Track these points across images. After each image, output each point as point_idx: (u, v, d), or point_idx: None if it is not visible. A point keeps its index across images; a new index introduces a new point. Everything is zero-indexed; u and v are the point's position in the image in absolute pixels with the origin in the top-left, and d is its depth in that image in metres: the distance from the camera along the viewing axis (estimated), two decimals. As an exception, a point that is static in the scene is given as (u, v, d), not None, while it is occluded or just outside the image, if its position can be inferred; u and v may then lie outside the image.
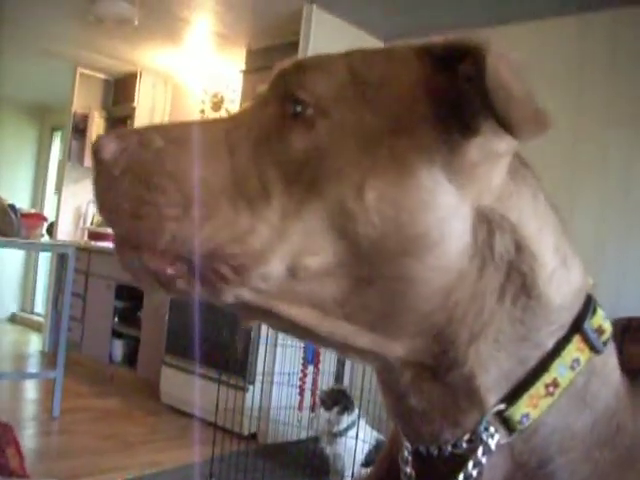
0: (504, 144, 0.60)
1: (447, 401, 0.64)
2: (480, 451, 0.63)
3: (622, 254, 3.44)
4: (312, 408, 3.76)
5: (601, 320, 0.67)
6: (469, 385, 0.63)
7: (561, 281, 0.65)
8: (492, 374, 0.63)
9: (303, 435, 3.95)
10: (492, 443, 0.62)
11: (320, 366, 3.72)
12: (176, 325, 4.77)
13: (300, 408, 3.71)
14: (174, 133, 0.62)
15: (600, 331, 0.66)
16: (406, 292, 0.60)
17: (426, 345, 0.63)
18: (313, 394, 3.73)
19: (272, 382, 4.06)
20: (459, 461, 0.64)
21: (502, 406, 0.63)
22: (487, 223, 0.62)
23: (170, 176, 0.59)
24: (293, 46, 4.50)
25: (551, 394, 0.63)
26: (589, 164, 3.61)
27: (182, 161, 0.59)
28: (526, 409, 0.62)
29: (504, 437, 0.63)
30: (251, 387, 4.27)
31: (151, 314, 5.35)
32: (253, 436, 4.25)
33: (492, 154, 0.61)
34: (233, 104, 5.69)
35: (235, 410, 3.82)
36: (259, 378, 4.12)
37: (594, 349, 0.65)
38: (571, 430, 0.64)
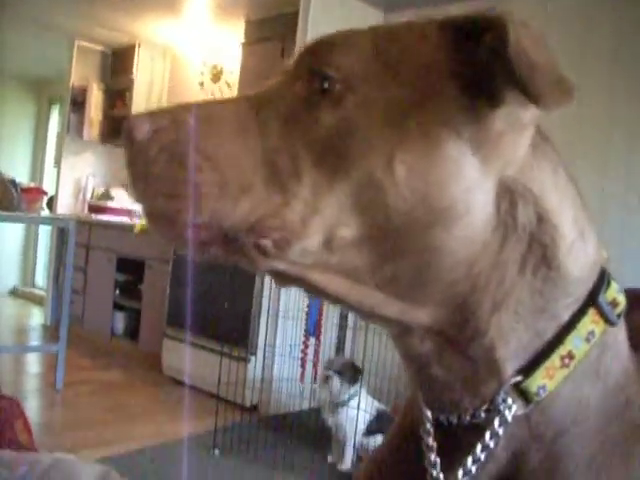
0: (528, 114, 0.61)
1: (467, 371, 0.65)
2: (497, 422, 0.64)
3: (623, 226, 3.44)
4: (314, 379, 3.79)
5: (615, 293, 0.67)
6: (489, 356, 0.64)
7: (579, 253, 0.65)
8: (511, 345, 0.64)
9: (305, 406, 3.98)
10: (509, 414, 0.63)
11: (322, 338, 3.73)
12: (177, 297, 4.78)
13: (302, 379, 3.73)
14: (205, 112, 0.63)
15: (614, 304, 0.66)
16: (432, 262, 0.61)
17: (450, 314, 0.64)
18: (315, 365, 3.76)
19: (274, 353, 4.09)
20: (478, 431, 0.65)
21: (519, 377, 0.64)
22: (510, 194, 0.62)
23: (205, 155, 0.60)
24: (292, 17, 4.46)
25: (567, 366, 0.63)
26: (591, 138, 3.60)
27: (216, 140, 0.61)
28: (542, 380, 0.63)
29: (521, 408, 0.64)
30: (253, 358, 4.30)
31: (152, 287, 5.37)
32: (255, 407, 4.29)
33: (517, 124, 0.62)
34: (232, 75, 5.66)
35: (237, 382, 3.85)
36: (261, 349, 4.15)
37: (609, 322, 0.66)
38: (585, 403, 0.64)
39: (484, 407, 0.65)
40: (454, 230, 0.60)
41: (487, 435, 0.64)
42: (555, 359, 0.63)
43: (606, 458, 0.64)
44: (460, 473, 0.66)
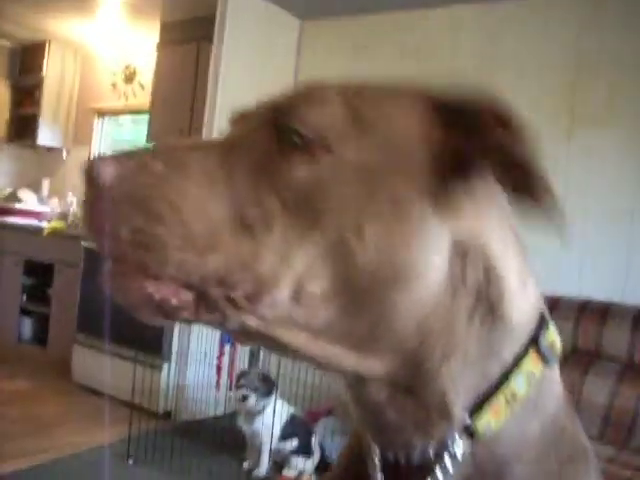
0: (491, 190, 0.64)
1: (419, 414, 0.67)
2: (447, 460, 0.67)
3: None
4: (230, 387, 3.79)
5: (553, 336, 0.71)
6: (440, 400, 0.66)
7: (522, 301, 0.69)
8: (460, 389, 0.66)
9: (219, 412, 3.96)
10: (459, 452, 0.66)
11: (237, 345, 3.73)
12: (88, 302, 4.67)
13: (218, 387, 3.72)
14: (173, 160, 0.61)
15: (552, 346, 0.71)
16: (388, 318, 0.63)
17: (403, 364, 0.66)
18: (230, 373, 3.75)
19: (187, 361, 4.07)
20: (427, 468, 0.68)
21: (468, 418, 0.67)
22: (463, 253, 0.65)
23: (172, 205, 0.58)
24: (209, 20, 4.43)
25: (510, 405, 0.67)
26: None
27: (183, 190, 0.59)
28: (489, 420, 0.66)
29: (468, 446, 0.67)
30: (166, 365, 4.26)
31: (61, 291, 5.23)
32: (168, 414, 4.26)
33: (478, 197, 0.65)
34: (146, 77, 5.58)
35: (150, 389, 3.81)
36: (174, 356, 4.13)
37: (547, 362, 0.70)
38: (525, 437, 0.68)
39: (434, 446, 0.67)
40: (411, 289, 0.62)
41: (438, 472, 0.67)
42: (500, 399, 0.67)
43: None
44: None
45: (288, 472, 3.52)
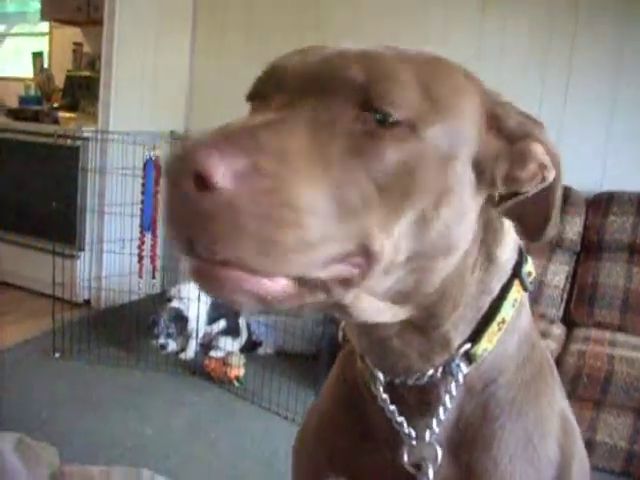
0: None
1: (424, 346, 0.75)
2: (453, 384, 0.76)
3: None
4: (153, 274, 3.78)
5: (531, 267, 0.80)
6: (445, 336, 0.75)
7: (507, 242, 0.77)
8: (461, 326, 0.75)
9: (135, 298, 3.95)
10: (460, 376, 0.76)
11: (158, 232, 3.69)
12: (3, 197, 4.50)
13: (140, 275, 3.69)
14: (276, 150, 0.55)
15: (529, 275, 0.80)
16: (429, 279, 0.68)
17: (420, 312, 0.72)
18: (152, 261, 3.73)
19: (103, 249, 4.03)
20: (426, 389, 0.77)
21: (468, 345, 0.76)
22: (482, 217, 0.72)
23: (289, 206, 0.53)
24: None
25: (500, 329, 0.76)
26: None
27: (295, 187, 0.54)
28: (485, 345, 0.76)
29: (465, 369, 0.76)
30: (82, 254, 4.20)
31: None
32: (88, 303, 4.24)
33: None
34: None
35: (67, 279, 3.76)
36: (92, 246, 4.07)
37: (526, 289, 0.79)
38: (506, 352, 0.78)
39: (432, 371, 0.76)
40: (453, 256, 0.69)
41: (446, 397, 0.76)
42: (494, 326, 0.76)
43: (523, 398, 0.79)
44: (427, 434, 0.78)
45: (215, 353, 3.61)
